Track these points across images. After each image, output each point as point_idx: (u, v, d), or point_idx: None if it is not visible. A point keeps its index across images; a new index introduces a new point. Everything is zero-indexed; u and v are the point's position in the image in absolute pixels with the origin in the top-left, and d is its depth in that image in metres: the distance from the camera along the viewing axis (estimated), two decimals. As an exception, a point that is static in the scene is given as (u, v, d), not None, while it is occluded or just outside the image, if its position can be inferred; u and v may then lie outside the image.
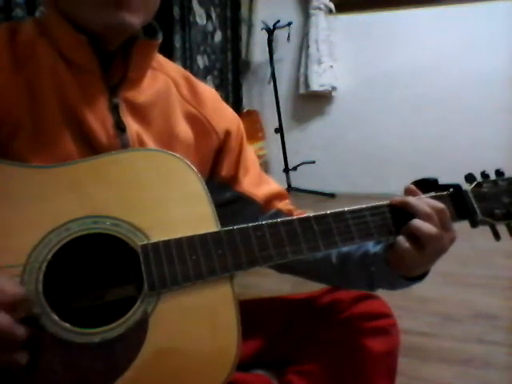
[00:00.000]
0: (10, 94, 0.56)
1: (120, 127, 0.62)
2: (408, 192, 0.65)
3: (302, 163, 3.24)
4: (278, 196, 0.77)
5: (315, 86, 3.24)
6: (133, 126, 0.63)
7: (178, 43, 2.57)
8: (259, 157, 3.30)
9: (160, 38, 0.66)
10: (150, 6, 0.62)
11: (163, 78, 0.70)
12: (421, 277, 0.65)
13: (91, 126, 0.60)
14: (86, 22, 0.58)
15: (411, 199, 0.62)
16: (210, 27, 2.97)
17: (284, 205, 0.77)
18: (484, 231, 0.67)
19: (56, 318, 0.49)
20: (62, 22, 0.59)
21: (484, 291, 1.71)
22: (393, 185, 3.14)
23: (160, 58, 0.71)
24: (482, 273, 1.86)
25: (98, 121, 0.60)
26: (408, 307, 1.54)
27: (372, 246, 0.68)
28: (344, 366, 0.67)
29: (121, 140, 0.61)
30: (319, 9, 3.21)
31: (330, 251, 0.70)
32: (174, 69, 0.73)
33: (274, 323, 0.76)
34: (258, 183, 0.76)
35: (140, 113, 0.64)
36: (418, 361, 1.26)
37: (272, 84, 3.21)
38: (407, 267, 0.63)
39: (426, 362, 1.26)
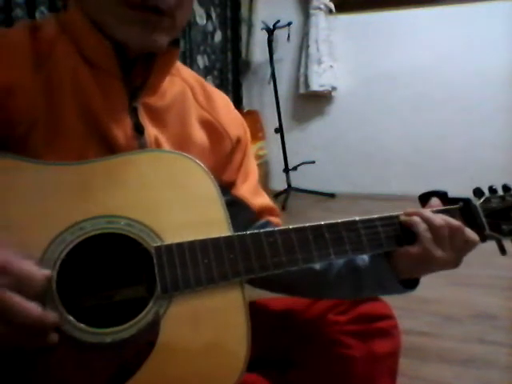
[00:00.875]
0: (29, 93, 0.56)
1: (139, 130, 0.62)
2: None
3: (302, 163, 3.24)
4: (270, 210, 0.77)
5: (315, 86, 3.23)
6: (151, 129, 0.63)
7: (177, 43, 2.57)
8: (259, 157, 3.30)
9: (181, 46, 0.66)
10: (182, 23, 0.62)
11: (180, 84, 0.70)
12: (414, 285, 0.66)
13: (110, 127, 0.59)
14: (115, 35, 0.58)
15: (421, 225, 0.62)
16: (210, 27, 2.97)
17: (274, 219, 0.77)
18: (485, 232, 0.68)
19: (69, 316, 0.49)
20: (86, 24, 0.59)
21: (484, 291, 1.71)
22: (393, 185, 3.15)
23: (177, 63, 0.71)
24: (483, 273, 1.86)
25: (117, 122, 0.60)
26: (408, 307, 1.54)
27: None
28: (345, 368, 0.67)
29: (139, 142, 0.61)
30: (319, 9, 3.21)
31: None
32: (190, 74, 0.74)
33: (274, 324, 0.76)
34: (255, 193, 0.76)
35: (157, 116, 0.65)
36: (418, 361, 1.26)
37: (272, 84, 3.20)
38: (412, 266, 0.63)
39: (426, 362, 1.26)
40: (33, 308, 0.44)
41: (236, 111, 0.79)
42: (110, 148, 0.59)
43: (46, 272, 0.47)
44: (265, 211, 0.75)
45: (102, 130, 0.59)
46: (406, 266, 0.63)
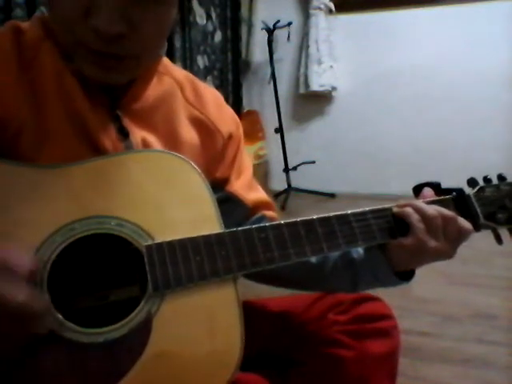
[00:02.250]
0: (14, 98, 0.56)
1: (123, 133, 0.62)
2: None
3: (302, 163, 3.24)
4: (265, 205, 0.76)
5: (315, 86, 3.24)
6: (137, 132, 0.63)
7: (178, 43, 2.57)
8: (259, 157, 3.30)
9: (164, 51, 0.66)
10: (150, 60, 0.61)
11: (169, 81, 0.69)
12: (409, 276, 0.67)
13: (95, 131, 0.59)
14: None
15: (414, 216, 0.62)
16: (210, 27, 2.97)
17: (269, 213, 0.77)
18: (484, 231, 0.68)
19: (60, 317, 0.49)
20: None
21: (484, 291, 1.71)
22: (393, 185, 3.15)
23: (166, 62, 0.71)
24: (482, 273, 1.86)
25: (101, 126, 0.60)
26: (408, 307, 1.54)
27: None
28: (344, 368, 0.67)
29: (125, 145, 0.61)
30: (319, 9, 3.21)
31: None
32: (180, 72, 0.73)
33: (273, 324, 0.76)
34: (249, 188, 0.76)
35: (143, 118, 0.64)
36: (418, 361, 1.26)
37: (272, 84, 3.20)
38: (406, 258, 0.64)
39: (426, 362, 1.26)
40: (21, 291, 0.44)
41: (227, 107, 0.78)
42: (98, 151, 0.59)
43: (33, 259, 0.48)
44: (260, 206, 0.75)
45: (89, 134, 0.59)
46: (400, 257, 0.64)
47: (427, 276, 0.66)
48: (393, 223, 0.63)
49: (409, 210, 0.62)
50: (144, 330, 0.51)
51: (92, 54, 0.54)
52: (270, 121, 3.35)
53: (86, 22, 0.51)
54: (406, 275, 0.66)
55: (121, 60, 0.55)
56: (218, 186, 0.72)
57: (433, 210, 0.62)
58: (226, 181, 0.74)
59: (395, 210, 0.64)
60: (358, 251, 0.69)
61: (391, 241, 0.63)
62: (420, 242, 0.61)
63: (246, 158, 0.79)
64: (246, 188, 0.75)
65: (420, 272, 0.68)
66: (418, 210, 0.62)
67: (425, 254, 0.62)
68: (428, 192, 0.67)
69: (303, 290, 0.77)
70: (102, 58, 0.54)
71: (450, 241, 0.62)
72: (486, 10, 2.98)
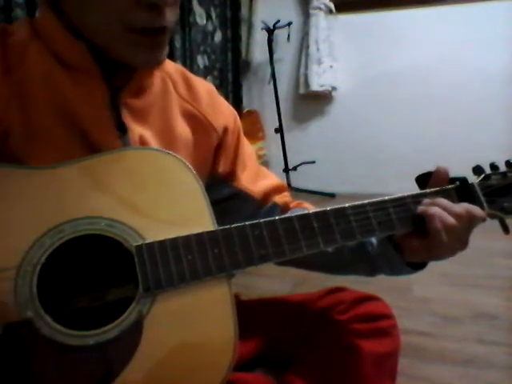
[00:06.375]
0: (1, 96, 0.56)
1: (122, 129, 0.61)
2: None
3: (302, 163, 3.24)
4: (275, 190, 0.76)
5: (315, 86, 3.23)
6: (135, 127, 0.62)
7: (178, 43, 2.57)
8: (259, 157, 3.30)
9: (178, 46, 0.66)
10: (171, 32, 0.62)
11: (160, 76, 0.69)
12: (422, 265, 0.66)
13: (91, 129, 0.59)
14: (119, 57, 0.58)
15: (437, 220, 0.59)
16: (210, 27, 2.97)
17: (281, 197, 0.76)
18: (485, 231, 0.67)
19: (50, 320, 0.49)
20: (59, 29, 0.58)
21: (484, 291, 1.70)
22: (393, 185, 3.14)
23: None
24: (483, 273, 1.85)
25: (99, 123, 0.60)
26: (408, 307, 1.54)
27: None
28: (344, 368, 0.67)
29: (122, 142, 0.61)
30: (319, 9, 3.21)
31: None
32: (171, 66, 0.73)
33: (274, 323, 0.76)
34: (256, 178, 0.75)
35: (141, 114, 0.64)
36: (417, 361, 1.26)
37: (272, 84, 3.20)
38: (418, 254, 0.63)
39: (426, 361, 1.26)
40: None
41: (221, 99, 0.77)
42: (93, 149, 0.59)
43: None
44: (270, 194, 0.75)
45: (84, 132, 0.59)
46: (413, 254, 0.63)
47: (427, 276, 0.65)
48: (392, 215, 0.61)
49: (434, 209, 0.59)
50: (135, 331, 0.50)
51: (142, 35, 0.55)
52: (269, 121, 3.34)
53: (138, 5, 0.53)
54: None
55: (164, 33, 0.57)
56: (223, 181, 0.72)
57: (462, 210, 0.59)
58: (231, 175, 0.73)
59: (419, 209, 0.61)
60: (373, 244, 0.67)
61: (391, 233, 0.62)
62: (437, 245, 0.59)
63: (248, 147, 0.78)
64: (253, 179, 0.74)
65: (420, 272, 0.68)
66: (443, 213, 0.59)
67: (440, 255, 0.61)
68: (442, 172, 0.64)
69: (328, 274, 0.76)
70: (152, 36, 0.55)
71: (465, 239, 0.61)
72: (485, 10, 2.98)
